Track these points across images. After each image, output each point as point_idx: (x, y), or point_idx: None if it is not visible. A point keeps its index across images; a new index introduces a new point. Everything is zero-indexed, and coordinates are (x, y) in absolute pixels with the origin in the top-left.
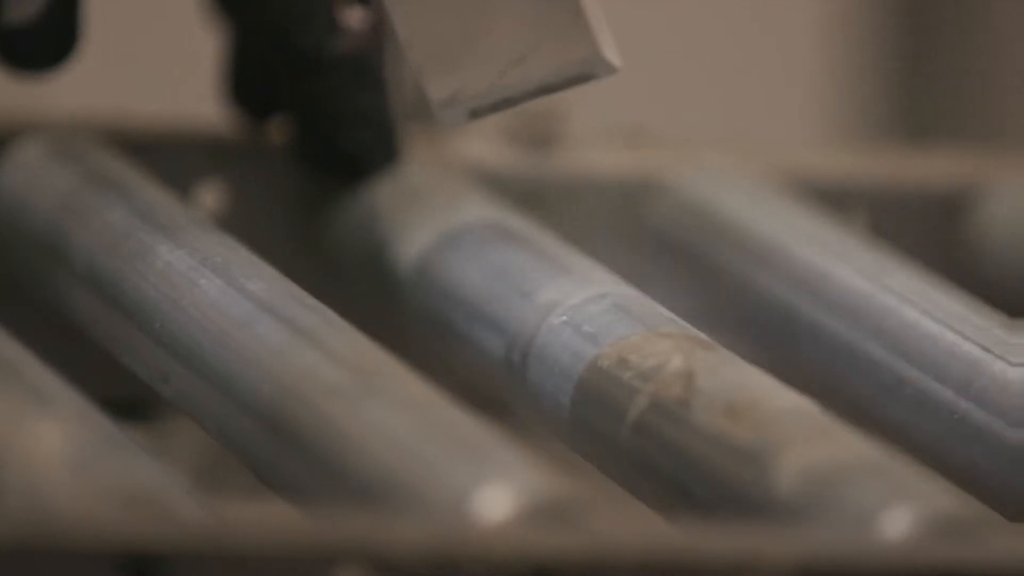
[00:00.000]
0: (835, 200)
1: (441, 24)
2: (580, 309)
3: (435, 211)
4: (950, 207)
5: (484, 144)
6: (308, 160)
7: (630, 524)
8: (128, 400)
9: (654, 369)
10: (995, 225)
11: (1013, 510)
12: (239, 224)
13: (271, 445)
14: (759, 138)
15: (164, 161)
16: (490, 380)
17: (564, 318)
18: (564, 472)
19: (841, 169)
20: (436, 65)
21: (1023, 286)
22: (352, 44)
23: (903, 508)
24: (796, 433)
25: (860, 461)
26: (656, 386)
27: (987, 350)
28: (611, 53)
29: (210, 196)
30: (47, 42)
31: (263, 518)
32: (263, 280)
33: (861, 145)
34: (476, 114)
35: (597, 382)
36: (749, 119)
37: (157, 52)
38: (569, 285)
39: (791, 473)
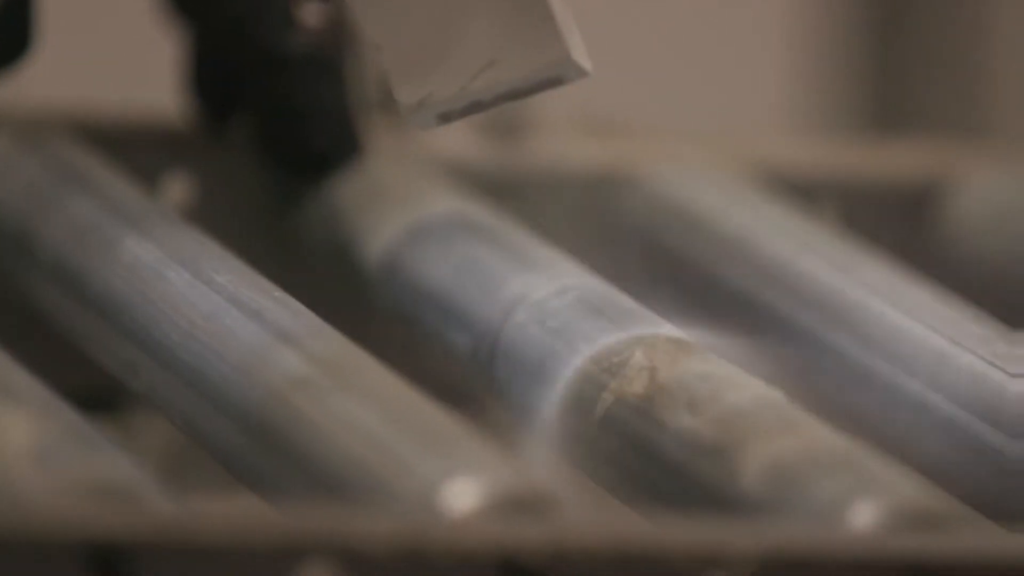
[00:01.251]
0: (806, 192)
1: (410, 28)
2: (544, 304)
3: (401, 205)
4: (921, 199)
5: (452, 135)
6: (270, 157)
7: (598, 516)
8: (95, 393)
9: (618, 365)
10: (966, 217)
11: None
12: (207, 216)
13: (239, 438)
14: (729, 128)
15: (131, 153)
16: (458, 374)
17: (529, 314)
18: (533, 465)
19: (812, 161)
20: (405, 69)
21: (994, 278)
22: (310, 40)
23: (869, 500)
24: (759, 427)
25: (825, 453)
26: (620, 382)
27: (989, 362)
28: (581, 57)
29: (177, 188)
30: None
31: (231, 511)
32: (231, 273)
33: (832, 136)
34: (446, 118)
35: (563, 379)
36: (719, 109)
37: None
38: (534, 279)
39: (755, 467)
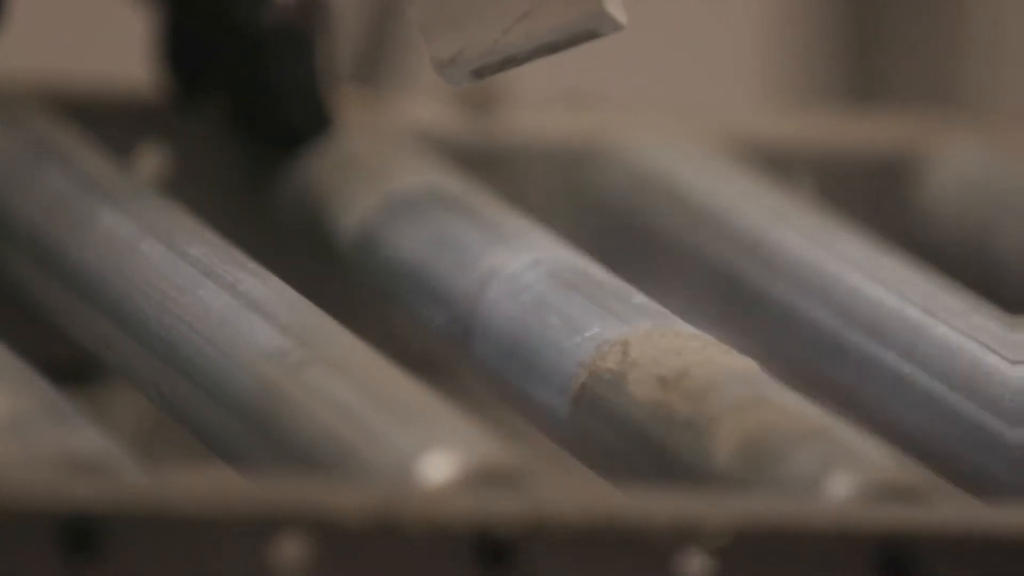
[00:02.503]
0: (781, 164)
1: None
2: (518, 278)
3: (376, 178)
4: (896, 171)
5: (428, 107)
6: (243, 131)
7: (573, 489)
8: (69, 365)
9: (591, 340)
10: (942, 188)
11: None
12: (181, 189)
13: (213, 411)
14: (704, 100)
15: (104, 126)
16: (434, 348)
17: (503, 289)
18: (509, 438)
19: (787, 133)
20: (438, 24)
21: (970, 250)
22: (283, 16)
23: (843, 473)
24: (732, 401)
25: (799, 427)
26: (593, 357)
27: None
28: (616, 9)
29: (151, 161)
30: None
31: (205, 483)
32: (205, 245)
33: (808, 108)
34: (480, 74)
35: (536, 355)
36: (694, 81)
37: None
38: (508, 253)
39: (729, 442)
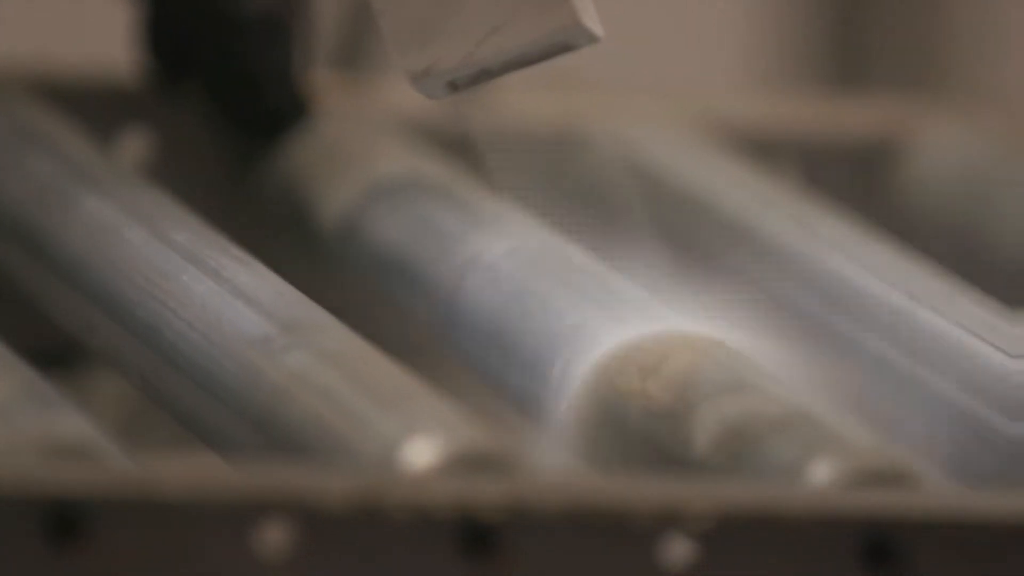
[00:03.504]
0: (765, 149)
1: None
2: (498, 264)
3: (358, 165)
4: (880, 155)
5: (410, 92)
6: (223, 119)
7: (556, 474)
8: (53, 350)
9: (572, 329)
10: (926, 173)
11: None
12: (164, 174)
13: (197, 396)
14: (688, 84)
15: (88, 111)
16: (417, 334)
17: (483, 276)
18: (492, 424)
19: (771, 118)
20: (410, 35)
21: (953, 234)
22: (262, 3)
23: (825, 459)
24: (712, 388)
25: (778, 414)
26: (573, 346)
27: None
28: (591, 21)
29: (134, 146)
30: None
31: (189, 468)
32: (189, 231)
33: (792, 92)
34: (454, 87)
35: (517, 343)
36: (678, 65)
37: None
38: (489, 240)
39: (709, 429)
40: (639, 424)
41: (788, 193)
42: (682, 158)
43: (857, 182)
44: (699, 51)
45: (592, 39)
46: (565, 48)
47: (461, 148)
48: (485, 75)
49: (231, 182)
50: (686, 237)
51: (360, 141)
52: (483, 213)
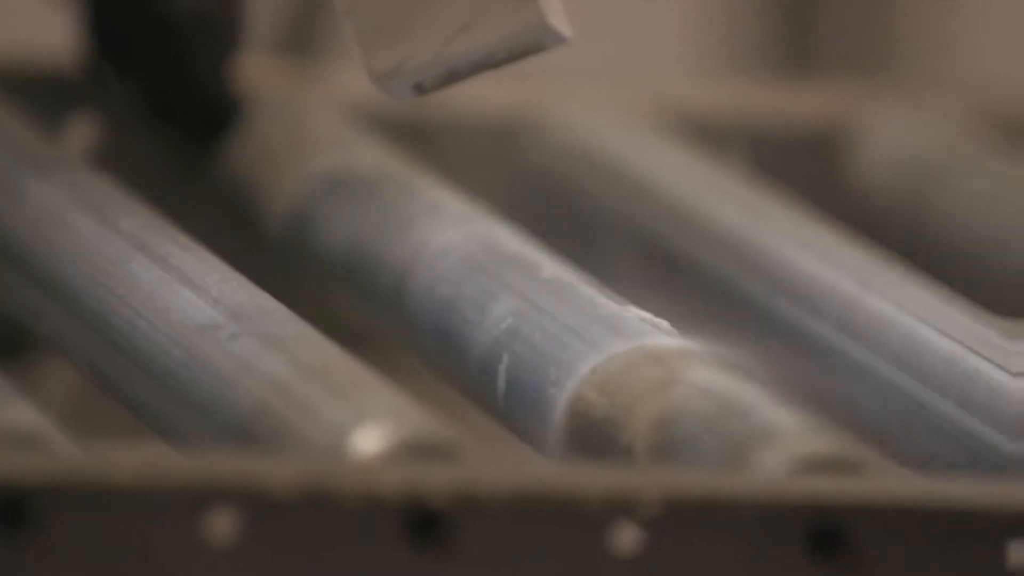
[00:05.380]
0: (715, 136)
1: None
2: (448, 254)
3: (305, 155)
4: (830, 142)
5: (358, 79)
6: (159, 115)
7: (506, 462)
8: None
9: (516, 326)
10: (877, 160)
11: None
12: (111, 161)
13: (145, 384)
14: (638, 71)
15: (33, 97)
16: (367, 322)
17: (432, 264)
18: (444, 411)
19: (722, 105)
20: (378, 35)
21: (904, 221)
22: (199, 2)
23: (769, 448)
24: (642, 387)
25: (713, 406)
26: (518, 343)
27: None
28: (560, 22)
29: (81, 133)
30: None
31: (137, 456)
32: (136, 218)
33: (743, 79)
34: (422, 88)
35: (464, 338)
36: (627, 52)
37: None
38: (440, 231)
39: (642, 430)
40: (579, 429)
41: (738, 179)
42: (633, 146)
43: (808, 168)
44: (649, 38)
45: (560, 40)
46: (533, 49)
47: (410, 136)
48: (453, 76)
49: (176, 175)
50: (637, 225)
51: (305, 131)
52: (432, 202)
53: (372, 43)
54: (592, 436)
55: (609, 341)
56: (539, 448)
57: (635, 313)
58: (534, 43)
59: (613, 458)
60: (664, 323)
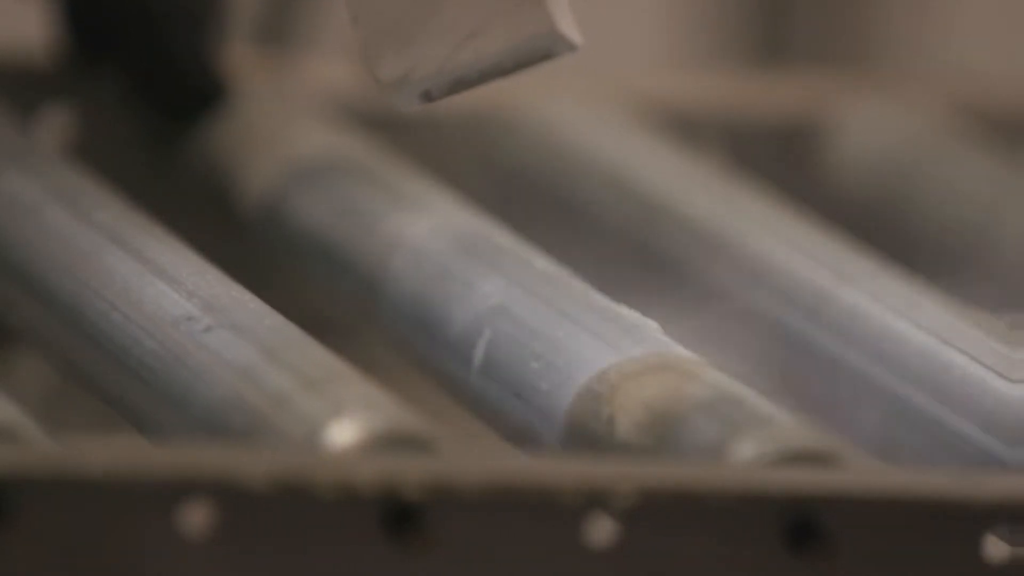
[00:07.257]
0: (690, 128)
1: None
2: (421, 245)
3: (279, 145)
4: (807, 134)
5: (335, 70)
6: (140, 101)
7: (481, 453)
8: None
9: (494, 310)
10: (853, 152)
11: None
12: (85, 153)
13: (119, 376)
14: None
15: (6, 88)
16: (341, 314)
17: (406, 255)
18: (419, 405)
19: (697, 96)
20: (385, 42)
21: (880, 213)
22: None
23: (749, 438)
24: (630, 368)
25: (701, 393)
26: (494, 328)
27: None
28: (569, 29)
29: (55, 124)
30: None
31: (111, 448)
32: (110, 211)
33: (718, 70)
34: (429, 96)
35: (441, 326)
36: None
37: None
38: (413, 222)
39: (628, 410)
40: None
41: (713, 171)
42: (608, 138)
43: (783, 160)
44: (624, 30)
45: (570, 47)
46: (543, 56)
47: (386, 127)
48: (461, 84)
49: (152, 162)
50: (612, 216)
51: (281, 121)
52: (406, 193)
53: (379, 51)
54: (575, 411)
55: (596, 326)
56: (514, 422)
57: (618, 308)
58: (543, 50)
59: (593, 434)
60: (637, 314)
